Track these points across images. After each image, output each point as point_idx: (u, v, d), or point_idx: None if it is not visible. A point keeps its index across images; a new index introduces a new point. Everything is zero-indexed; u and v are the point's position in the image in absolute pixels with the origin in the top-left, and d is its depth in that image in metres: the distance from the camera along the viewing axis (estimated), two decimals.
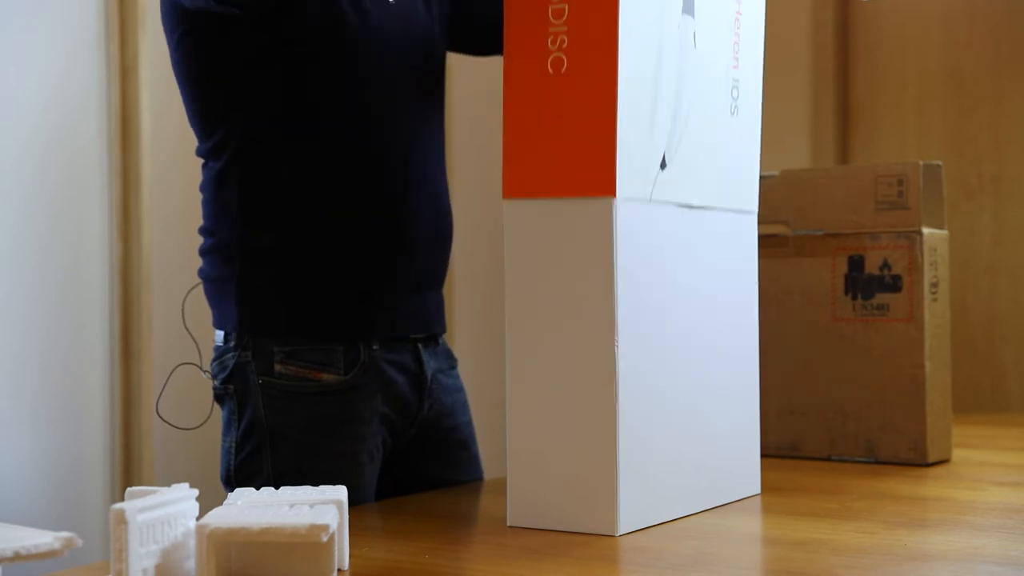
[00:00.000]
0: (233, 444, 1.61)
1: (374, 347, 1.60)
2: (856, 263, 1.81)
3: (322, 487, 1.19)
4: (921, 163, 1.79)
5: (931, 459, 1.77)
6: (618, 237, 1.29)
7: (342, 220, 1.59)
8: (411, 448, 1.68)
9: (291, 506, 1.11)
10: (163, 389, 1.72)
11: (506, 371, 1.35)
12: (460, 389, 1.75)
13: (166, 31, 1.63)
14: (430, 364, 1.67)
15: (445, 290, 1.75)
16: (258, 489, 1.50)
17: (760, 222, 1.71)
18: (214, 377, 1.64)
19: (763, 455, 1.62)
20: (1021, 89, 3.55)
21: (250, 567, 1.08)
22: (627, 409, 1.30)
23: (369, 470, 1.61)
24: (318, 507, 1.10)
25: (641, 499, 1.33)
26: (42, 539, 0.96)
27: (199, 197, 1.69)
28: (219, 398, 1.64)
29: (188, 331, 1.72)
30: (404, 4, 1.65)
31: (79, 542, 0.96)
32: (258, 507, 1.11)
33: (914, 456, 1.77)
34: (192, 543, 1.07)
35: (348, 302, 1.59)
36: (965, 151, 3.62)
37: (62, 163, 2.46)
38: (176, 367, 1.75)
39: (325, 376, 1.57)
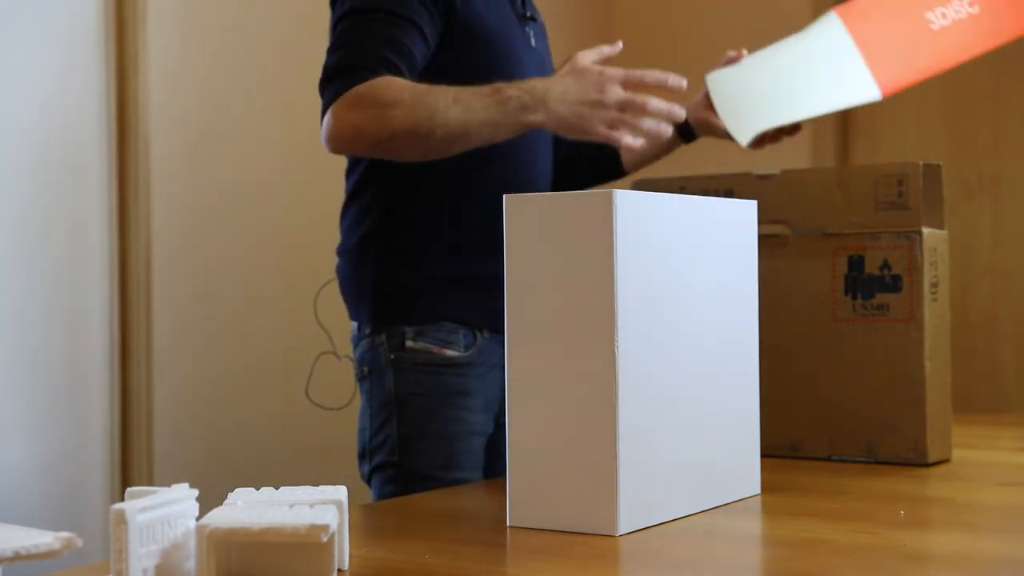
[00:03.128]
0: (369, 418, 1.86)
1: (485, 335, 1.87)
2: (856, 263, 1.81)
3: (322, 487, 1.19)
4: (921, 163, 1.79)
5: (931, 459, 1.77)
6: (618, 234, 1.29)
7: (462, 226, 1.87)
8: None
9: (291, 506, 1.11)
10: (309, 377, 2.01)
11: (506, 370, 1.35)
12: None
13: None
14: None
15: None
16: (388, 453, 1.81)
17: (760, 222, 1.71)
18: (355, 360, 1.90)
19: (763, 455, 1.62)
20: (1021, 89, 3.55)
21: (250, 567, 1.08)
22: (627, 409, 1.30)
23: (477, 441, 1.86)
24: (318, 507, 1.10)
25: (641, 499, 1.33)
26: (42, 539, 0.96)
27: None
28: (360, 381, 1.90)
29: (320, 325, 2.00)
30: (541, 50, 1.98)
31: (79, 542, 0.96)
32: (258, 507, 1.11)
33: (914, 456, 1.77)
34: (192, 543, 1.07)
35: (466, 295, 1.85)
36: (965, 151, 3.62)
37: (62, 163, 2.46)
38: (319, 355, 2.03)
39: (448, 351, 1.85)
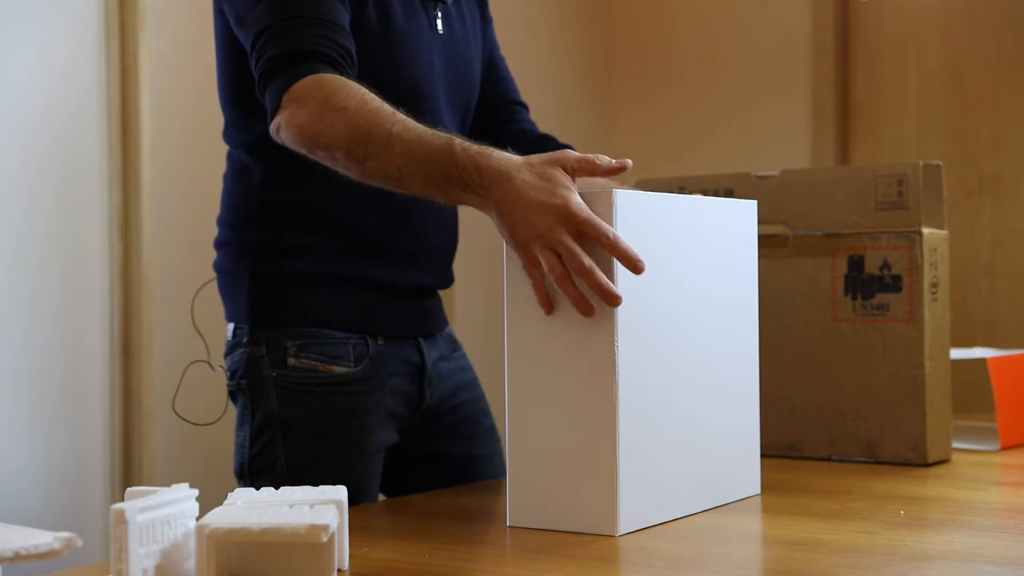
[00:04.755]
0: (247, 438, 1.66)
1: (380, 342, 1.67)
2: (856, 263, 1.81)
3: (322, 487, 1.19)
4: (921, 163, 1.79)
5: (931, 459, 1.77)
6: (619, 233, 1.29)
7: (359, 229, 1.65)
8: (418, 436, 1.75)
9: (291, 506, 1.11)
10: (178, 387, 1.76)
11: (506, 371, 1.35)
12: (464, 368, 1.81)
13: (214, 3, 1.65)
14: (431, 355, 1.74)
15: (447, 289, 1.78)
16: (272, 480, 1.60)
17: (760, 222, 1.71)
18: (227, 371, 1.69)
19: (763, 455, 1.62)
20: (1021, 89, 3.55)
21: (250, 567, 1.08)
22: (627, 409, 1.30)
23: (376, 461, 1.67)
24: (318, 507, 1.10)
25: (641, 499, 1.33)
26: (42, 539, 0.96)
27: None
28: (232, 394, 1.69)
29: (197, 329, 1.75)
30: (452, 33, 1.72)
31: (79, 542, 0.96)
32: (258, 507, 1.11)
33: (914, 456, 1.77)
34: (192, 543, 1.07)
35: (358, 298, 1.66)
36: (965, 151, 3.62)
37: (62, 163, 2.46)
38: (189, 364, 1.79)
39: (336, 368, 1.64)
